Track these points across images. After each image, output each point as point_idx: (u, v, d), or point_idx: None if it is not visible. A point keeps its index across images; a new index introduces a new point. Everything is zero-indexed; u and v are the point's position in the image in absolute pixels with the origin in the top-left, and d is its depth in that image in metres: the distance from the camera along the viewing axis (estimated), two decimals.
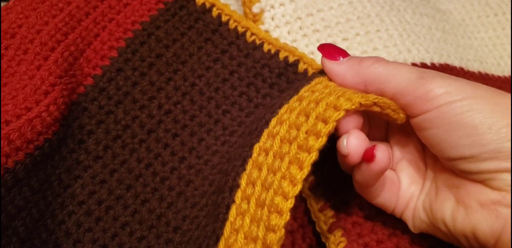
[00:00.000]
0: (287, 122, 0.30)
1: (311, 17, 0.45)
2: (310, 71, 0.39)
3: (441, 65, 0.46)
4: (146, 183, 0.36)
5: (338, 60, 0.32)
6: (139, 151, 0.37)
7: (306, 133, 0.28)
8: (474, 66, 0.51)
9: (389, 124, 0.34)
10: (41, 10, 0.39)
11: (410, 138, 0.33)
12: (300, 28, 0.45)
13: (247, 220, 0.28)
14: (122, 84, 0.39)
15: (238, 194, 0.29)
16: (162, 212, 0.35)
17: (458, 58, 0.49)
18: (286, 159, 0.28)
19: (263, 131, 0.31)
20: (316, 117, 0.28)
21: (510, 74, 0.53)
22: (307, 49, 0.44)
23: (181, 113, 0.38)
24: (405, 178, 0.33)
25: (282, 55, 0.40)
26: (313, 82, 0.33)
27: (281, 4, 0.45)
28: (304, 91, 0.32)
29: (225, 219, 0.29)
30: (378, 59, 0.31)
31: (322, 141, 0.27)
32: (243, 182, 0.29)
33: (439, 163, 0.31)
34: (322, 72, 0.34)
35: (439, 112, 0.27)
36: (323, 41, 0.44)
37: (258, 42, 0.41)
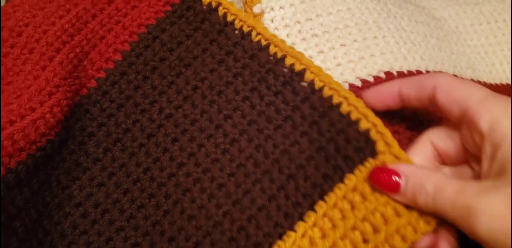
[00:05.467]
0: (342, 229, 0.31)
1: (310, 22, 0.44)
2: (318, 83, 0.36)
3: (435, 72, 0.45)
4: (143, 188, 0.35)
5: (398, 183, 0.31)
6: (138, 154, 0.36)
7: None
8: (466, 74, 0.50)
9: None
10: (49, 10, 0.38)
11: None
12: (299, 31, 0.43)
13: None
14: (124, 88, 0.37)
15: None
16: (157, 219, 0.34)
17: (452, 66, 0.48)
18: None
19: (306, 212, 0.32)
20: None
21: (501, 82, 0.53)
22: (306, 53, 0.42)
23: (182, 118, 0.37)
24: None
25: (288, 61, 0.37)
26: (358, 176, 0.33)
27: (281, 7, 0.43)
28: (350, 189, 0.32)
29: None
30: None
31: None
32: None
33: None
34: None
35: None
36: (322, 46, 0.42)
37: (264, 42, 0.38)
